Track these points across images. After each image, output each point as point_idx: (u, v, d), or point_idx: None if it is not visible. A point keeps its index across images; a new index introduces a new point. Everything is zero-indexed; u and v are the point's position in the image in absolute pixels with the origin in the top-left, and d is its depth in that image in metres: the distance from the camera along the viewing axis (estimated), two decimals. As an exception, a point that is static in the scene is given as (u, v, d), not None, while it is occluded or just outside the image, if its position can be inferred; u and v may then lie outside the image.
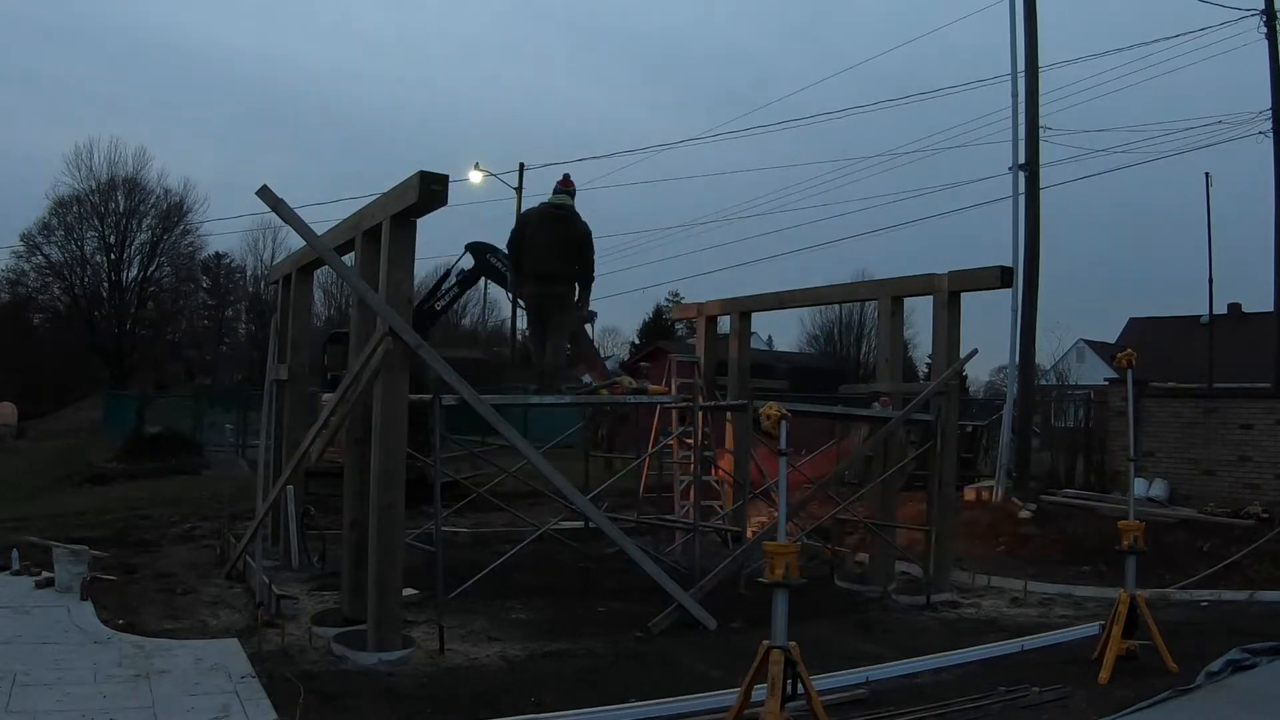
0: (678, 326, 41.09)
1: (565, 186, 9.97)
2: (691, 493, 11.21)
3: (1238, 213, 49.17)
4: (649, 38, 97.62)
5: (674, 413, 11.98)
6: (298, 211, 7.35)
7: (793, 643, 4.97)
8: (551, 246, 9.56)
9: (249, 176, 67.54)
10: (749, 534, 10.65)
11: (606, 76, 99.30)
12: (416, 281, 12.81)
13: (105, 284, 46.50)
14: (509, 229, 10.24)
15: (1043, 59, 16.66)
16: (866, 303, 10.76)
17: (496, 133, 78.74)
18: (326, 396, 10.84)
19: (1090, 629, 7.98)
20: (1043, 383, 27.47)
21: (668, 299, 49.70)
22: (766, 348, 45.38)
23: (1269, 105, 17.89)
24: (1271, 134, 17.87)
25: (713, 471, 12.34)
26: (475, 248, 13.78)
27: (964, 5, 52.09)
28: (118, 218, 46.01)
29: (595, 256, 9.88)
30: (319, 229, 8.25)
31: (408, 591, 7.80)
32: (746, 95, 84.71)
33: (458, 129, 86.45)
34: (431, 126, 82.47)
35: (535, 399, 10.30)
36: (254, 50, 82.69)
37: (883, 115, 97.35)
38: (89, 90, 71.16)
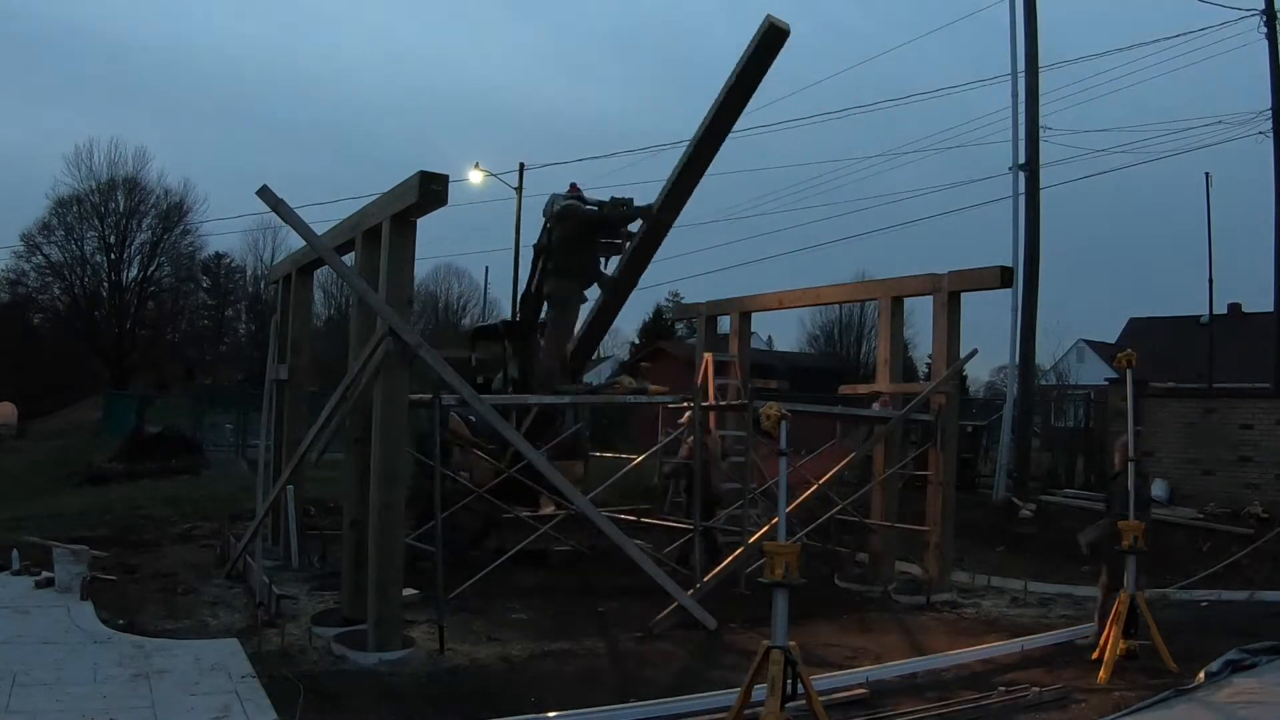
0: (678, 327, 41.08)
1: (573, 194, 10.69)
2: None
3: (1238, 213, 49.20)
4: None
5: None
6: (298, 211, 7.36)
7: (793, 643, 4.97)
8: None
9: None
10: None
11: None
12: (416, 281, 12.48)
13: (105, 284, 46.49)
14: (507, 229, 10.32)
15: (1043, 59, 16.71)
16: (866, 303, 10.66)
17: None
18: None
19: (1090, 629, 7.98)
20: (1043, 383, 27.50)
21: (668, 299, 49.60)
22: (766, 348, 45.36)
23: (1269, 105, 17.92)
24: (1271, 134, 17.88)
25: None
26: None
27: (965, 5, 52.08)
28: (118, 218, 46.02)
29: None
30: (319, 229, 8.27)
31: (408, 591, 7.80)
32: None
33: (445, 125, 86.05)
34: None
35: (535, 399, 10.29)
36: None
37: (883, 115, 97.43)
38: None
